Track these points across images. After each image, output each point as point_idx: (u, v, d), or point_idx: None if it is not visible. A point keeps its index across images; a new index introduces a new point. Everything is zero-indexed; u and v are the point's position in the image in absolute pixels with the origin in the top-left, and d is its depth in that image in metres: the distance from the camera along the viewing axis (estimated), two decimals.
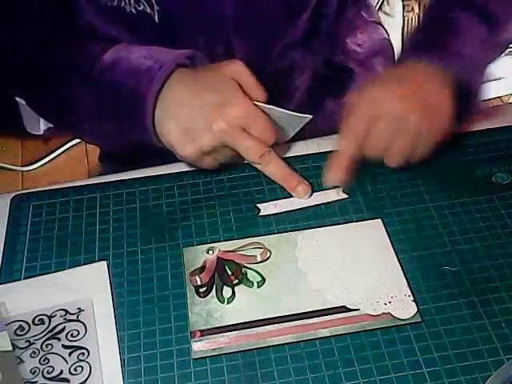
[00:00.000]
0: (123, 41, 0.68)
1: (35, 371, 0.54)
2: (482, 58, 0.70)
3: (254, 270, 0.60)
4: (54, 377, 0.54)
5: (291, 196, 0.67)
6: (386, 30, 0.93)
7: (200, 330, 0.56)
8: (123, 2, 0.66)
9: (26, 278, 0.62)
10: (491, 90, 0.71)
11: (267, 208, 0.66)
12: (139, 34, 0.69)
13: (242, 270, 0.60)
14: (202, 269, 0.60)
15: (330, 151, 0.68)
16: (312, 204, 0.66)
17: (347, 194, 0.67)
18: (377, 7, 1.61)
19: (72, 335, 0.57)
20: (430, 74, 0.65)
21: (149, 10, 0.66)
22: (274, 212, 0.66)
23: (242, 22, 0.65)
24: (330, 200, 0.67)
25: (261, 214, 0.66)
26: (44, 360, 0.55)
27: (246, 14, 0.66)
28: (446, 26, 0.69)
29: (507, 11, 0.73)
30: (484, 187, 0.67)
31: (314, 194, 0.67)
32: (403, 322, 0.56)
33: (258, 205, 0.66)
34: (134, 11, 0.66)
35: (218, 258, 0.61)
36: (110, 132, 0.69)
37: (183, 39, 0.69)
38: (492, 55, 0.72)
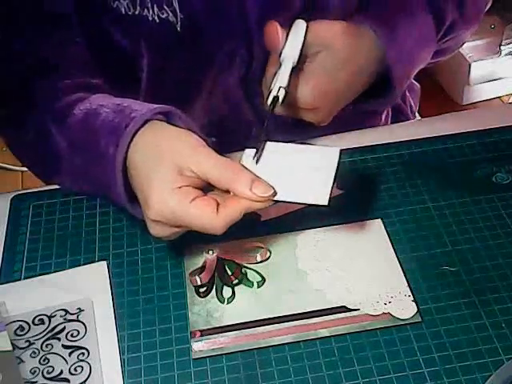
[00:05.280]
0: (139, 52, 0.67)
1: (35, 371, 0.54)
2: (416, 56, 0.69)
3: (254, 270, 0.60)
4: (54, 377, 0.54)
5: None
6: None
7: (200, 330, 0.56)
8: (145, 11, 0.64)
9: (26, 277, 0.62)
10: (491, 90, 0.71)
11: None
12: (160, 43, 0.67)
13: (242, 270, 0.60)
14: (202, 269, 0.60)
15: None
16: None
17: (342, 189, 0.67)
18: None
19: (72, 335, 0.57)
20: (370, 49, 0.65)
21: (171, 19, 0.65)
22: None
23: (264, 22, 0.64)
24: None
25: (261, 217, 0.66)
26: (44, 360, 0.55)
27: (269, 14, 0.66)
28: (405, 9, 0.68)
29: (461, 23, 0.72)
30: (484, 187, 0.67)
31: None
32: (403, 322, 0.56)
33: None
34: (156, 19, 0.65)
35: (218, 258, 0.61)
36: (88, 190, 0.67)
37: (205, 45, 0.68)
38: (425, 59, 0.71)
